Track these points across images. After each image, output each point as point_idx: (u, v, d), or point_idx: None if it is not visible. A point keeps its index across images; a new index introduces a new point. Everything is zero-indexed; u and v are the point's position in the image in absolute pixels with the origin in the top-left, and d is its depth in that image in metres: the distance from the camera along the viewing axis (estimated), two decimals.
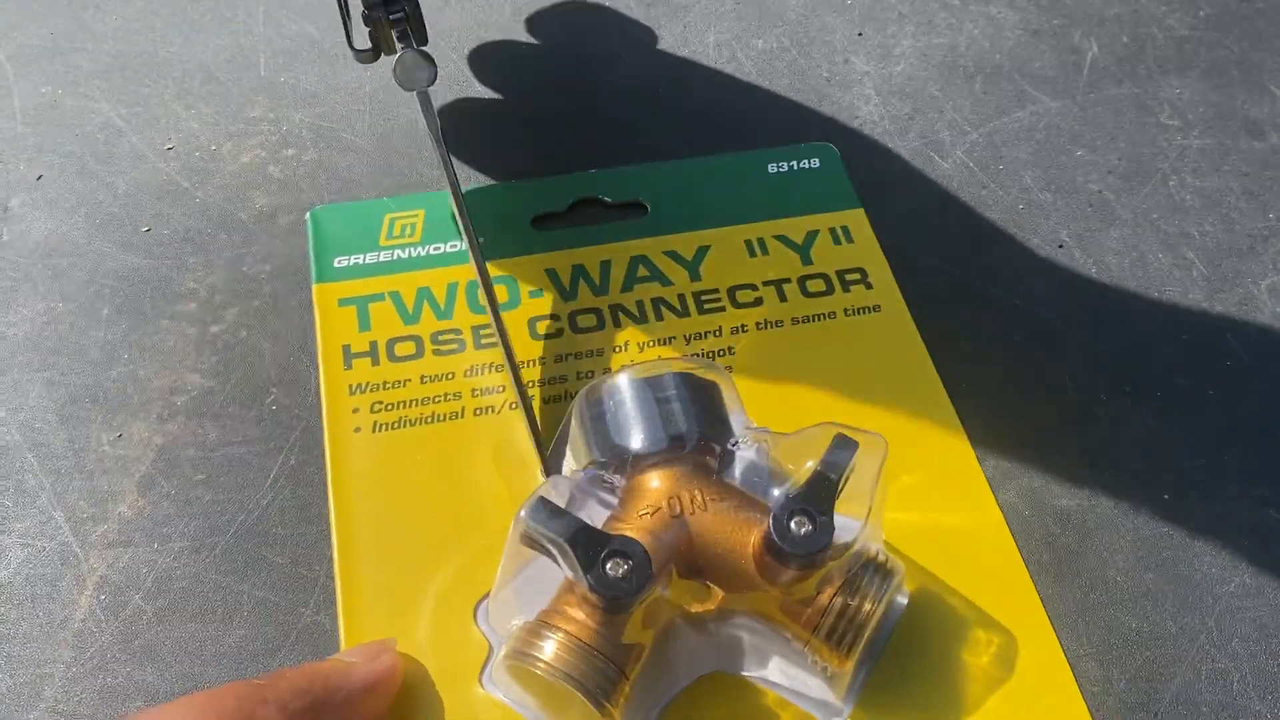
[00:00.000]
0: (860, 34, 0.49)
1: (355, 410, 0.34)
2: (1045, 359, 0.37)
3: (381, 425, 0.33)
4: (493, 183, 0.42)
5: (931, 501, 0.32)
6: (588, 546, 0.25)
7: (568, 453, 0.31)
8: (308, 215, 0.39)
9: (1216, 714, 0.30)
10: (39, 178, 0.42)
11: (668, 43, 0.48)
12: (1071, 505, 0.34)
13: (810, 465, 0.28)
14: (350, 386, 0.34)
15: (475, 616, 0.29)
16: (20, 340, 0.37)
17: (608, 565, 0.25)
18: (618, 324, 0.36)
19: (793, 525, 0.26)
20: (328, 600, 0.32)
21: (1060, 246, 0.41)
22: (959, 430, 0.34)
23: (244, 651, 0.31)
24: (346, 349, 0.35)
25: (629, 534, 0.26)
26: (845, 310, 0.37)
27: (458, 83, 0.46)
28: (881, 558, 0.28)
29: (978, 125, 0.45)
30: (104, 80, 0.46)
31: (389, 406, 0.34)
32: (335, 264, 0.38)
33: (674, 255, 0.38)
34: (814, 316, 0.37)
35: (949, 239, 0.41)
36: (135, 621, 0.31)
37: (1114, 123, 0.45)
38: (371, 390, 0.34)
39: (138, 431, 0.35)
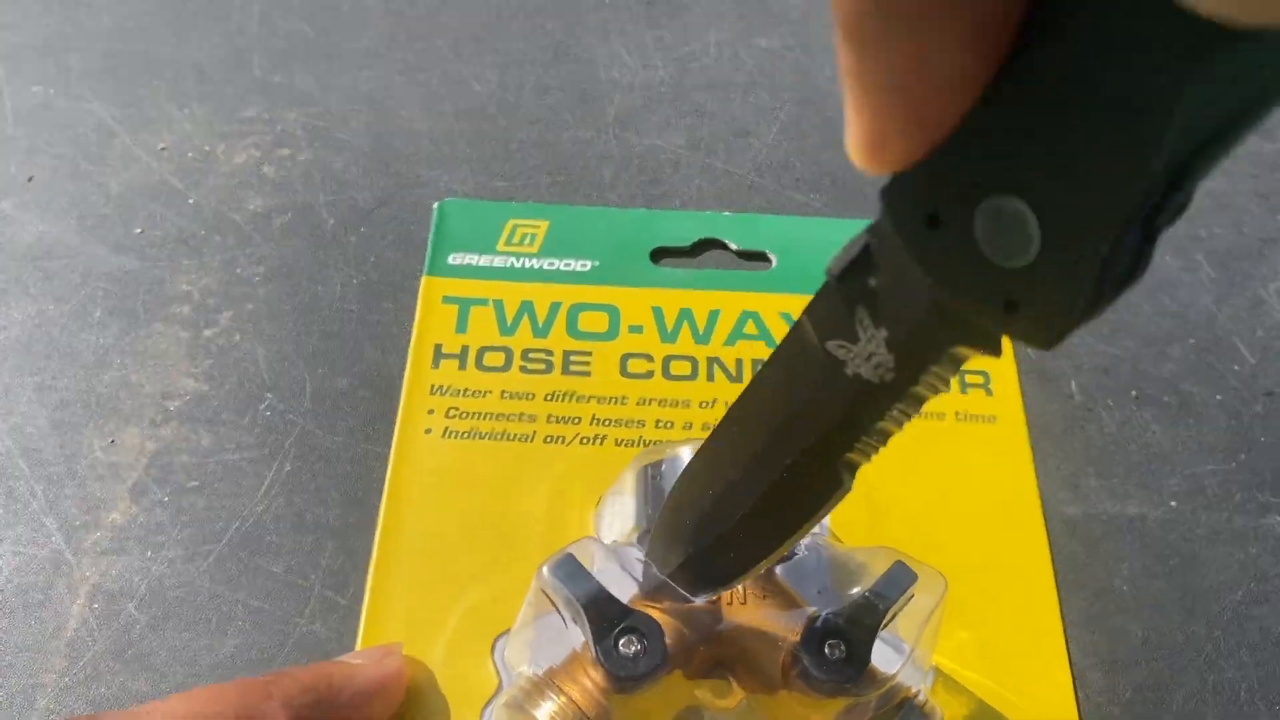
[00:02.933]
0: None
1: (430, 411, 0.33)
2: (1051, 363, 0.37)
3: (452, 432, 0.33)
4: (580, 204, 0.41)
5: (997, 659, 0.29)
6: (604, 617, 0.24)
7: (623, 502, 0.30)
8: (435, 206, 0.39)
9: None
10: (30, 179, 0.42)
11: (668, 41, 0.48)
12: (1077, 513, 0.33)
13: (861, 589, 0.26)
14: (432, 386, 0.34)
15: (493, 648, 0.29)
16: (11, 344, 0.37)
17: (621, 641, 0.24)
18: (711, 378, 0.34)
19: (826, 648, 0.24)
20: (323, 609, 0.31)
21: None
22: (1048, 576, 0.31)
23: (238, 660, 0.30)
24: (438, 348, 0.35)
25: (654, 612, 0.25)
26: (957, 414, 0.34)
27: (456, 82, 0.46)
28: (921, 699, 0.26)
29: None
30: (96, 80, 0.45)
31: (464, 415, 0.33)
32: (449, 260, 0.37)
33: (788, 317, 0.36)
34: (921, 413, 0.34)
35: None
36: (128, 630, 0.31)
37: None
38: (451, 394, 0.34)
39: (130, 437, 0.34)
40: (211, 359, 0.36)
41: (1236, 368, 0.37)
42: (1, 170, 0.42)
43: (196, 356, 0.36)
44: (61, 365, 0.36)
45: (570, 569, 0.25)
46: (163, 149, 0.43)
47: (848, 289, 0.18)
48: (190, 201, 0.41)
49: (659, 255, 0.38)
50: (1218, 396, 0.36)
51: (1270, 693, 0.30)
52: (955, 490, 0.32)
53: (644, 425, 0.33)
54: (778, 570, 0.27)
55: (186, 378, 0.36)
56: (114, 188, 0.41)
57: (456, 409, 0.33)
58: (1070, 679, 0.29)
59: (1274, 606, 0.32)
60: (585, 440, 0.33)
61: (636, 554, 0.27)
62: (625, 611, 0.24)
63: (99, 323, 0.37)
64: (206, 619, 0.31)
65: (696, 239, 0.38)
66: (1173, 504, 0.34)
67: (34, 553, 0.32)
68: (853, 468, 0.20)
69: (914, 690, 0.26)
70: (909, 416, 0.19)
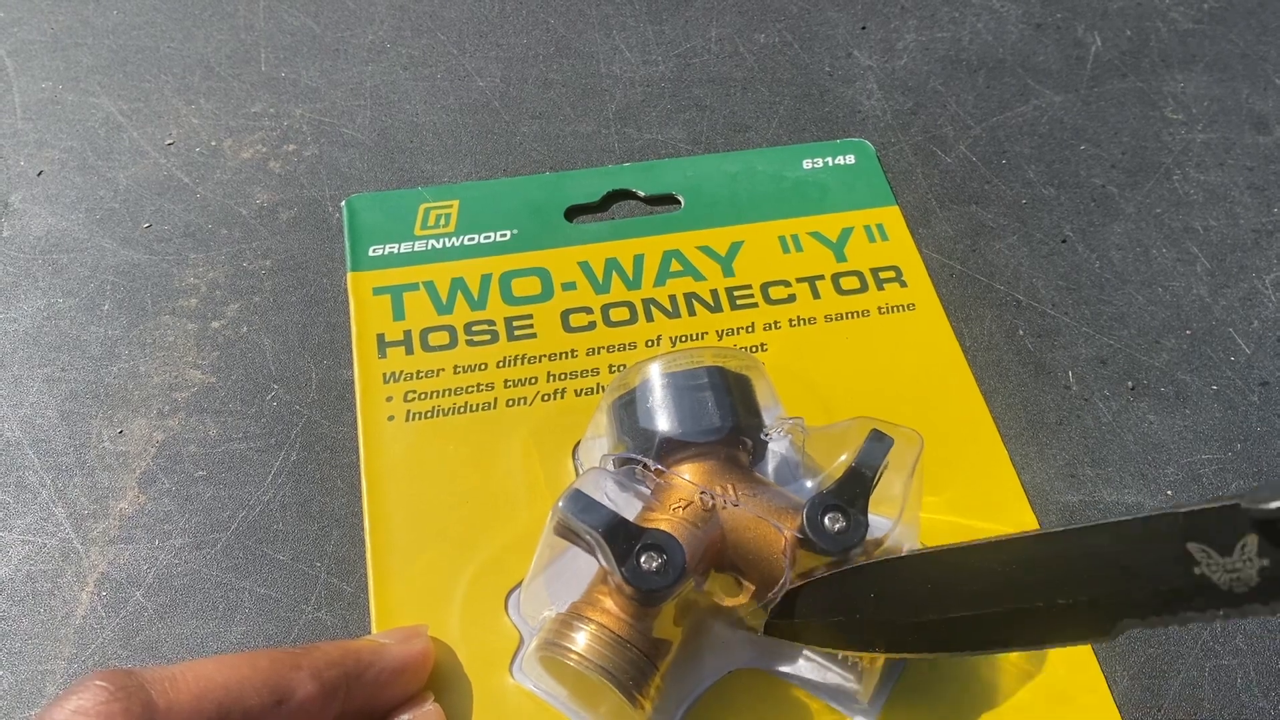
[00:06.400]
0: (863, 28, 0.49)
1: (389, 399, 0.34)
2: (1048, 354, 0.37)
3: (415, 414, 0.33)
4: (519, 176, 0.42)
5: (965, 506, 0.32)
6: (622, 540, 0.26)
7: (599, 444, 0.31)
8: (343, 204, 0.39)
9: (1219, 711, 0.30)
10: (39, 173, 0.42)
11: (668, 36, 0.48)
12: (1075, 501, 0.34)
13: (844, 460, 0.28)
14: (384, 375, 0.34)
15: (506, 606, 0.29)
16: (21, 336, 0.37)
17: (642, 559, 0.25)
18: (650, 318, 0.36)
19: (826, 521, 0.26)
20: (329, 597, 0.31)
21: (1064, 241, 0.41)
22: (993, 432, 0.34)
23: (245, 648, 0.30)
24: (381, 338, 0.35)
25: (663, 528, 0.26)
26: (879, 308, 0.37)
27: (460, 77, 0.46)
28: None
29: (981, 120, 0.45)
30: (104, 76, 0.45)
31: (422, 396, 0.34)
32: (370, 253, 0.38)
33: (707, 250, 0.38)
34: (847, 314, 0.37)
35: (952, 234, 0.41)
36: (136, 618, 0.31)
37: (1118, 117, 0.45)
38: (405, 379, 0.34)
39: (138, 428, 0.35)
40: (218, 350, 0.37)
41: (1232, 358, 0.37)
42: (11, 164, 0.42)
43: (204, 348, 0.37)
44: (70, 357, 0.37)
45: (582, 503, 0.26)
46: (170, 144, 0.43)
47: (1255, 518, 0.19)
48: (197, 196, 0.41)
49: (572, 214, 0.39)
50: (1213, 387, 0.37)
51: (1266, 680, 0.30)
52: (896, 377, 0.35)
53: (598, 373, 0.35)
54: (766, 467, 0.30)
55: (194, 369, 0.36)
56: (122, 182, 0.42)
57: (414, 392, 0.34)
58: (1022, 489, 0.32)
59: None
60: (546, 397, 0.34)
61: (629, 469, 0.29)
62: (640, 531, 0.26)
63: (107, 315, 0.38)
64: (214, 607, 0.31)
65: (605, 192, 0.40)
66: (1169, 493, 0.34)
67: (43, 541, 0.32)
68: (1128, 628, 0.21)
69: (908, 548, 0.28)
70: (1221, 619, 0.20)
